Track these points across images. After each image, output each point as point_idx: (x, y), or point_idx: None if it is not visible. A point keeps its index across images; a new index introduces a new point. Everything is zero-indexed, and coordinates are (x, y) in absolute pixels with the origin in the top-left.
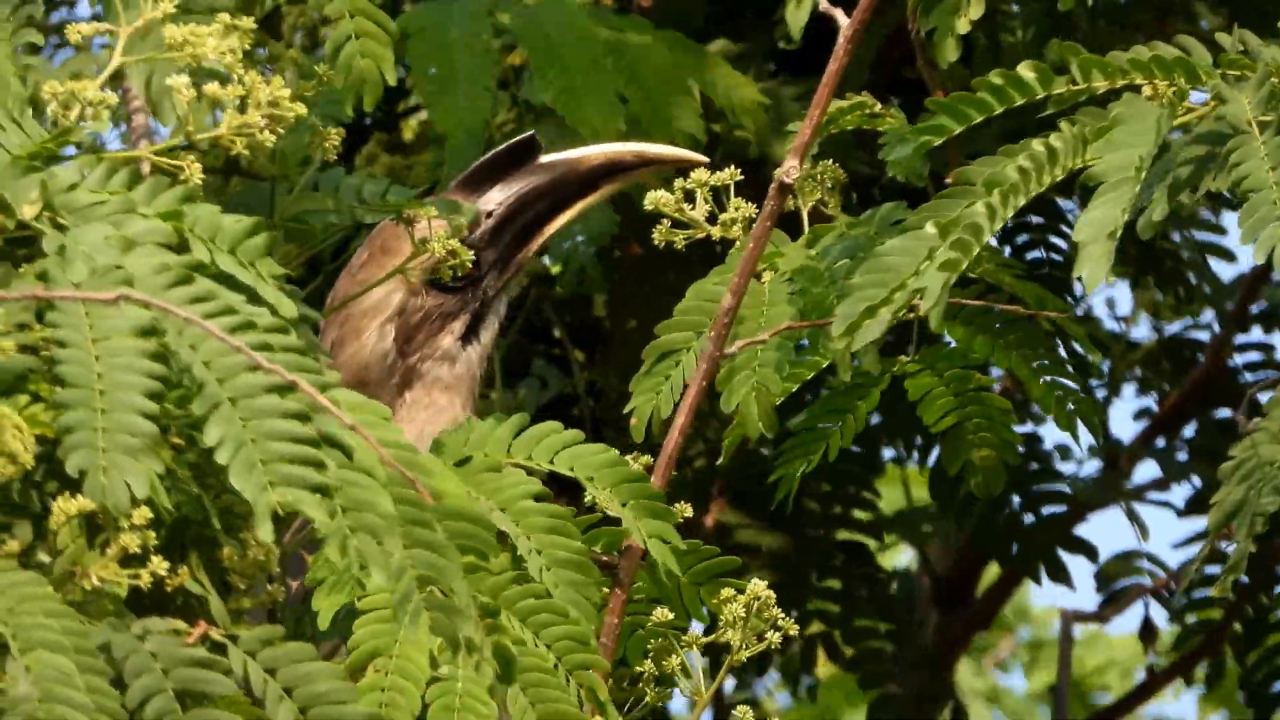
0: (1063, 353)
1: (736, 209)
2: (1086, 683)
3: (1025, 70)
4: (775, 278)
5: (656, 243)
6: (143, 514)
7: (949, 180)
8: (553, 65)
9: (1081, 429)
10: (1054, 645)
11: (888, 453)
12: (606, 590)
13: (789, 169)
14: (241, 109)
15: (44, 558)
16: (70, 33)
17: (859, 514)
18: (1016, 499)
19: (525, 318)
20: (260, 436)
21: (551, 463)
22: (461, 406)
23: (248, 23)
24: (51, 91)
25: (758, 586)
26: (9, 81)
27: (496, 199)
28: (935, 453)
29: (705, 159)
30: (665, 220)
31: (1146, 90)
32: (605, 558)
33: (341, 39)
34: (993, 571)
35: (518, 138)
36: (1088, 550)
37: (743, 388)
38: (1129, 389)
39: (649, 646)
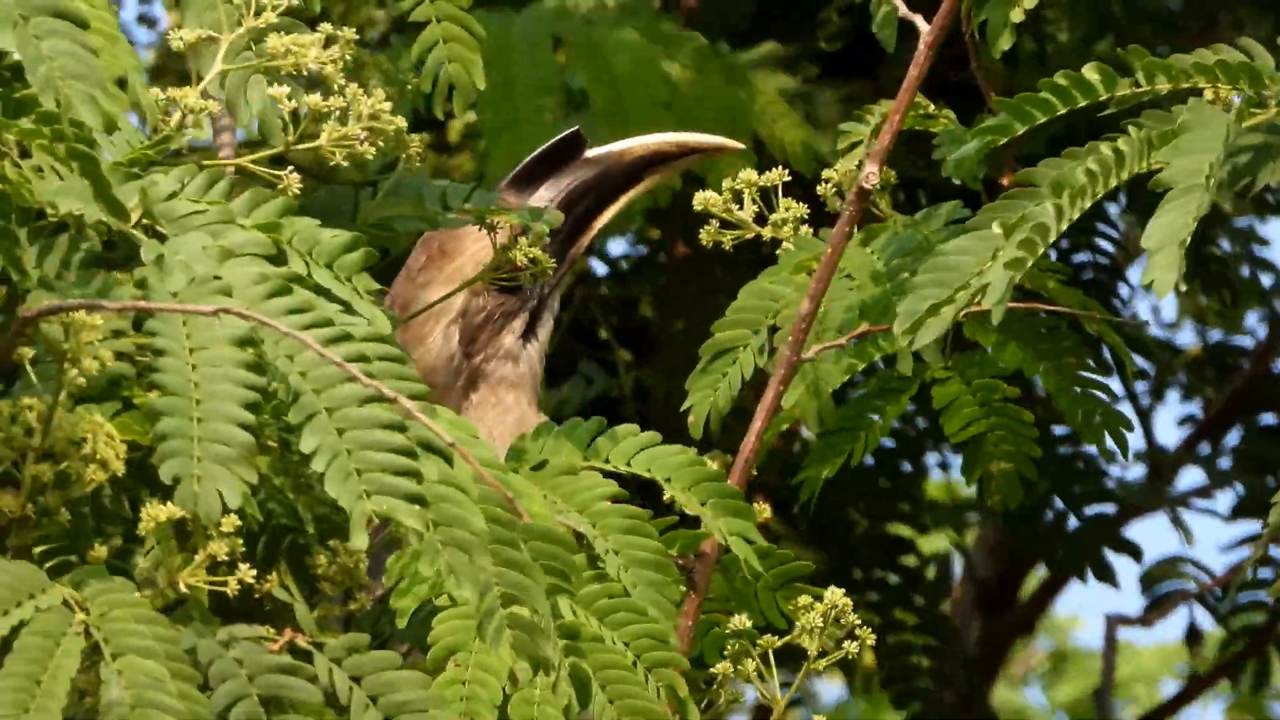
0: (1101, 359)
1: (787, 209)
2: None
3: (1089, 72)
4: (833, 277)
5: (704, 243)
6: (232, 521)
7: (1004, 182)
8: (597, 69)
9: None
10: (1078, 656)
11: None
12: (683, 592)
13: (869, 174)
14: (343, 121)
15: (135, 563)
16: (172, 39)
17: (900, 527)
18: (1060, 501)
19: (572, 317)
20: (356, 446)
21: (629, 464)
22: (528, 404)
23: (348, 33)
24: (152, 98)
25: (835, 595)
26: (138, 91)
27: (546, 196)
28: None
29: (742, 146)
30: (714, 220)
31: (1209, 94)
32: (681, 560)
33: (428, 44)
34: (1036, 577)
35: (563, 133)
36: (1133, 551)
37: (802, 384)
38: (1173, 395)
39: (726, 650)
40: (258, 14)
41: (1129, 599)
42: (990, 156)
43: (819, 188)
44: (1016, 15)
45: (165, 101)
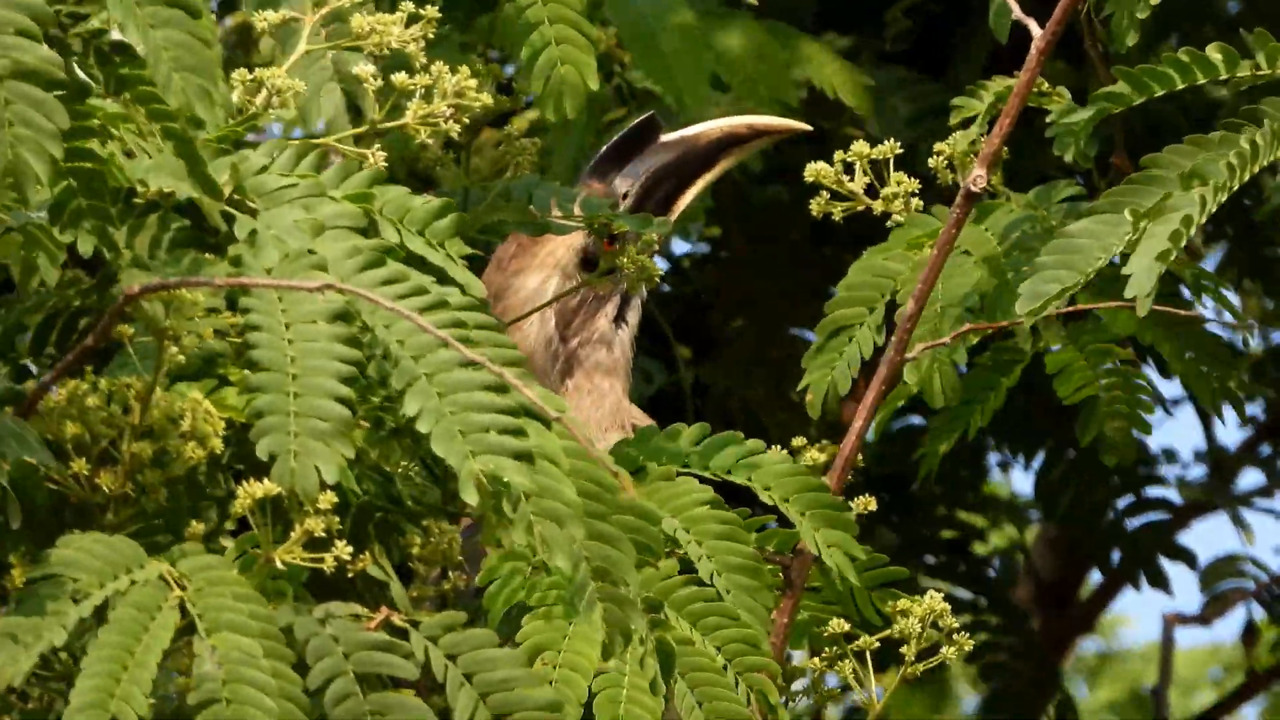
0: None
1: (899, 184)
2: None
3: (1212, 51)
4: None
5: (814, 214)
6: (329, 498)
7: (1115, 163)
8: (646, 47)
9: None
10: (1124, 656)
11: (994, 457)
12: (779, 591)
13: (976, 178)
14: (427, 98)
15: (227, 543)
16: (256, 20)
17: (972, 516)
18: (1120, 503)
19: None
20: (459, 408)
21: (729, 473)
22: (622, 392)
23: (431, 11)
24: (240, 78)
25: (934, 599)
26: (215, 67)
27: (627, 182)
28: (1040, 457)
29: (810, 128)
30: (824, 192)
31: None
32: (779, 557)
33: (540, 45)
34: (1096, 577)
35: (639, 118)
36: (1188, 558)
37: (924, 362)
38: None
39: (825, 654)
40: None
41: (1186, 600)
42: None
43: (930, 160)
44: (1143, 11)
45: (252, 81)
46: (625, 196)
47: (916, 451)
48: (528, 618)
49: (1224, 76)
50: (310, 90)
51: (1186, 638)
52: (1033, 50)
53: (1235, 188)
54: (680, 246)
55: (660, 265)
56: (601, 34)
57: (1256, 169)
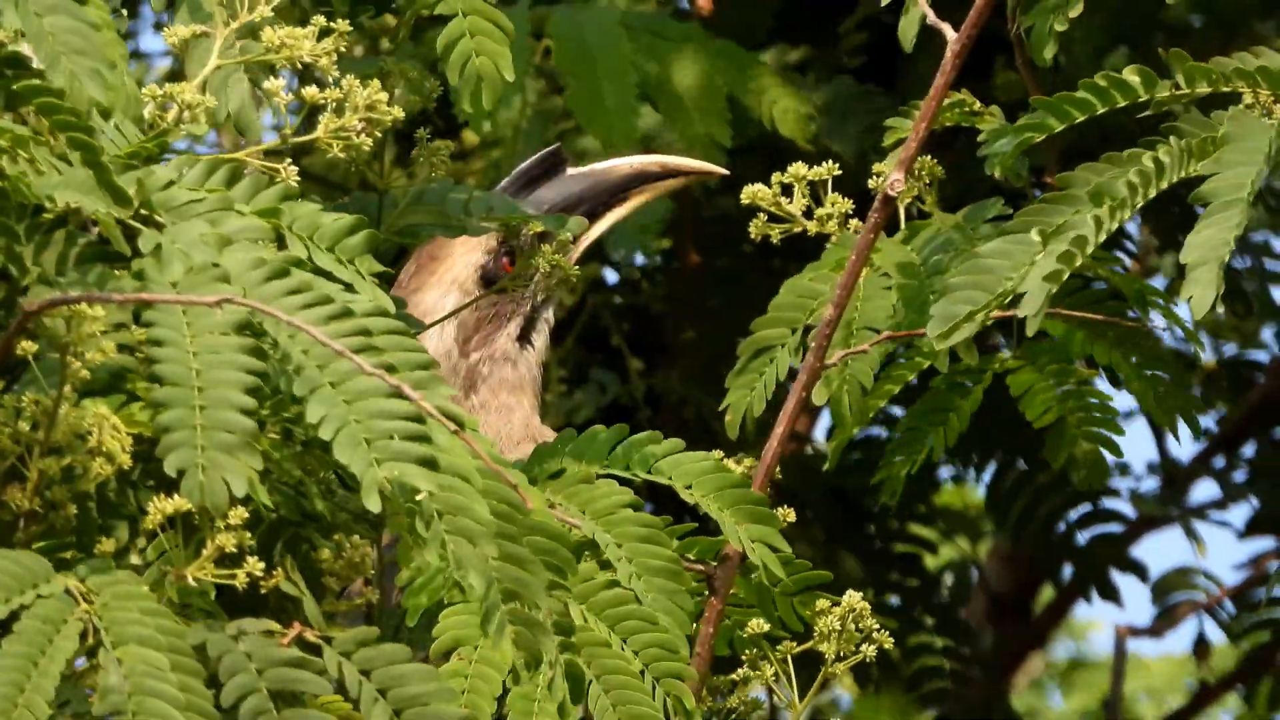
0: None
1: (833, 204)
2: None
3: (1130, 74)
4: (871, 273)
5: (753, 236)
6: (239, 514)
7: (1049, 180)
8: (580, 68)
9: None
10: (1091, 664)
11: (945, 471)
12: (700, 599)
13: (893, 182)
14: (339, 112)
15: (137, 559)
16: (167, 36)
17: (921, 529)
18: (1072, 515)
19: (584, 325)
20: (364, 415)
21: (650, 472)
22: (530, 408)
23: (343, 25)
24: (150, 94)
25: (853, 598)
26: (124, 81)
27: (528, 207)
28: (991, 469)
29: (726, 171)
30: (761, 214)
31: (1248, 98)
32: (702, 565)
33: (453, 37)
34: (1050, 590)
35: (545, 150)
36: (1140, 571)
37: (835, 382)
38: None
39: (744, 656)
40: (251, 9)
41: (1143, 611)
42: (1035, 153)
43: (870, 182)
44: (1060, 24)
45: (162, 97)
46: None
47: (877, 474)
48: (444, 613)
49: (1143, 98)
50: (224, 102)
51: (1158, 646)
52: (947, 54)
53: (1139, 205)
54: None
55: (610, 277)
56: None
57: (1165, 185)
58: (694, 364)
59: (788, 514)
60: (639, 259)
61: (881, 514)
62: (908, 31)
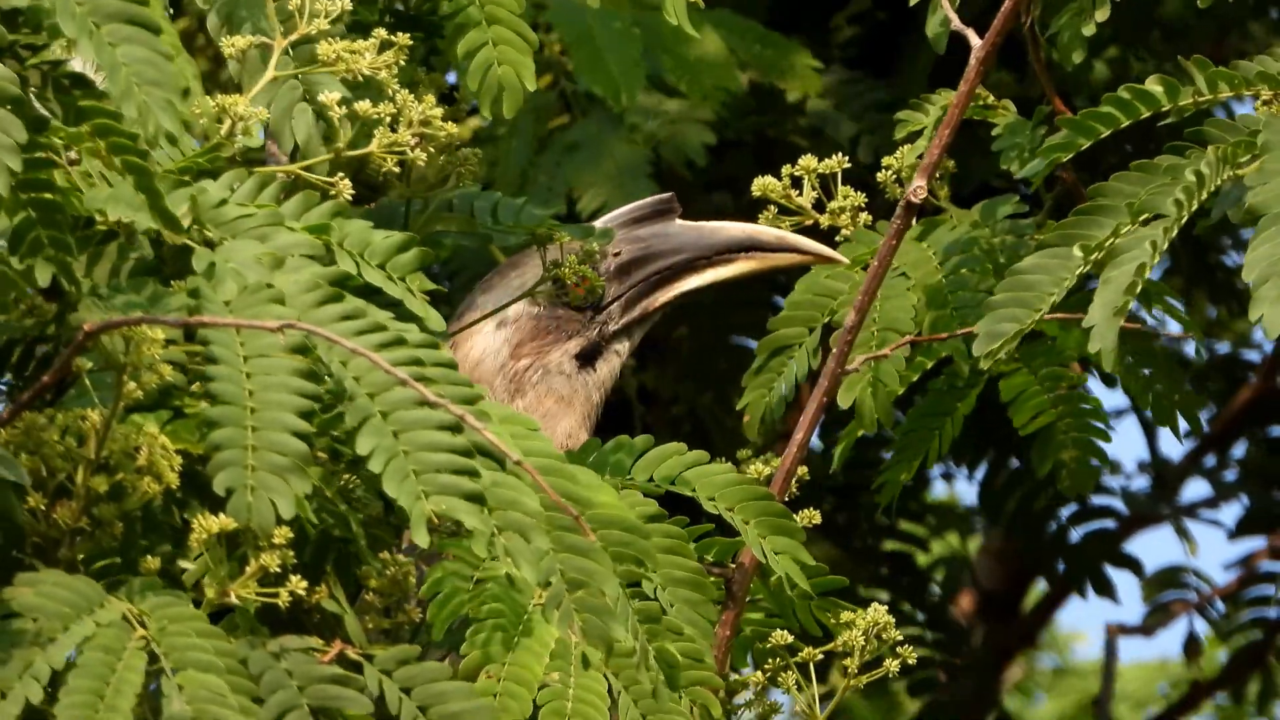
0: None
1: (845, 197)
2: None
3: (1152, 84)
4: (889, 272)
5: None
6: (284, 533)
7: (1064, 176)
8: (585, 49)
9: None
10: (1077, 671)
11: (936, 468)
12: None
13: (916, 189)
14: (393, 127)
15: (183, 573)
16: (225, 46)
17: (913, 525)
18: (1064, 513)
19: None
20: (413, 447)
21: (673, 483)
22: (576, 423)
23: (403, 39)
24: (202, 107)
25: (878, 612)
26: (198, 94)
27: (629, 247)
28: (983, 468)
29: (846, 260)
30: (771, 207)
31: (1264, 96)
32: (720, 569)
33: (476, 44)
34: (1040, 588)
35: (659, 195)
36: (1134, 566)
37: (859, 384)
38: None
39: (766, 667)
40: (309, 20)
41: (1132, 611)
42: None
43: (879, 175)
44: (1089, 29)
45: (216, 109)
46: (617, 254)
47: (877, 479)
48: (470, 630)
49: (1167, 107)
50: (280, 115)
51: (1134, 653)
52: (972, 60)
53: (1185, 219)
54: None
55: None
56: (545, 39)
57: (1205, 196)
58: (686, 361)
59: (813, 516)
60: None
61: (872, 510)
62: (938, 37)
